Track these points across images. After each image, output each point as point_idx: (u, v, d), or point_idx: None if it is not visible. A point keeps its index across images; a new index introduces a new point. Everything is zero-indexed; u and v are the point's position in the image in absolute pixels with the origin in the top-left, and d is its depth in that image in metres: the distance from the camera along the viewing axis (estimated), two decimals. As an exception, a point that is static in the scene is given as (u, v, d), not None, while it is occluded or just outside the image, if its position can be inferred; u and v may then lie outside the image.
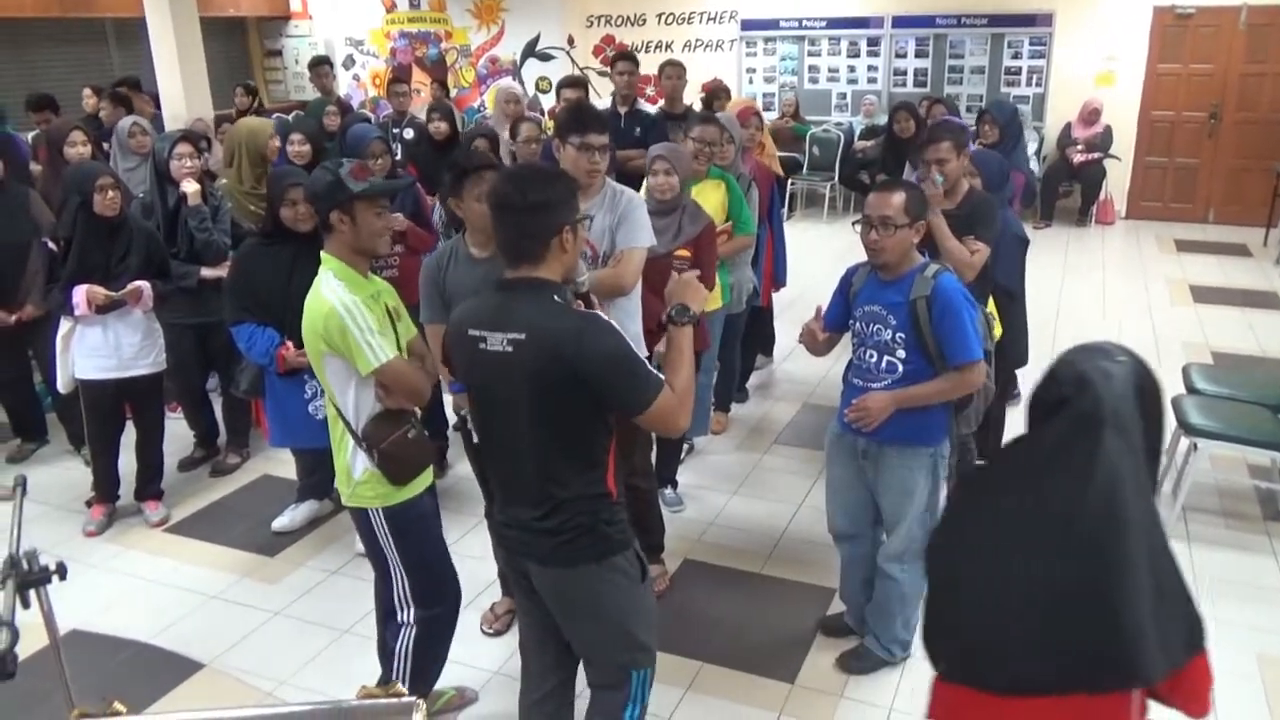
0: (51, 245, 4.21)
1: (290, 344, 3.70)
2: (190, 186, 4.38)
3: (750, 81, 11.35)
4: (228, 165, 5.02)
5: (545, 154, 4.67)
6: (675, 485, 4.50)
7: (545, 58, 11.89)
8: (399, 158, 5.94)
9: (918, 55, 10.58)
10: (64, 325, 4.09)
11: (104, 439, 4.31)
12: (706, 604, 3.72)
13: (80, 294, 3.94)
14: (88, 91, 7.37)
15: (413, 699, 1.43)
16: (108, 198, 3.94)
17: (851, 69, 10.93)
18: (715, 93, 6.72)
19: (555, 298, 2.21)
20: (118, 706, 1.38)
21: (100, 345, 4.06)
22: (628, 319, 3.42)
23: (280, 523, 4.24)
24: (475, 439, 2.49)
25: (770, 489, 4.59)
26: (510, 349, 2.14)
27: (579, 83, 6.27)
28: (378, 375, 2.61)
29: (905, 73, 10.70)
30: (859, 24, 10.72)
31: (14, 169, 4.84)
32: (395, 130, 7.00)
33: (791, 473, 4.73)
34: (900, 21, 10.54)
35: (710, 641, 3.47)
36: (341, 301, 2.56)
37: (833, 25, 10.83)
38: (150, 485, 4.45)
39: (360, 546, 4.05)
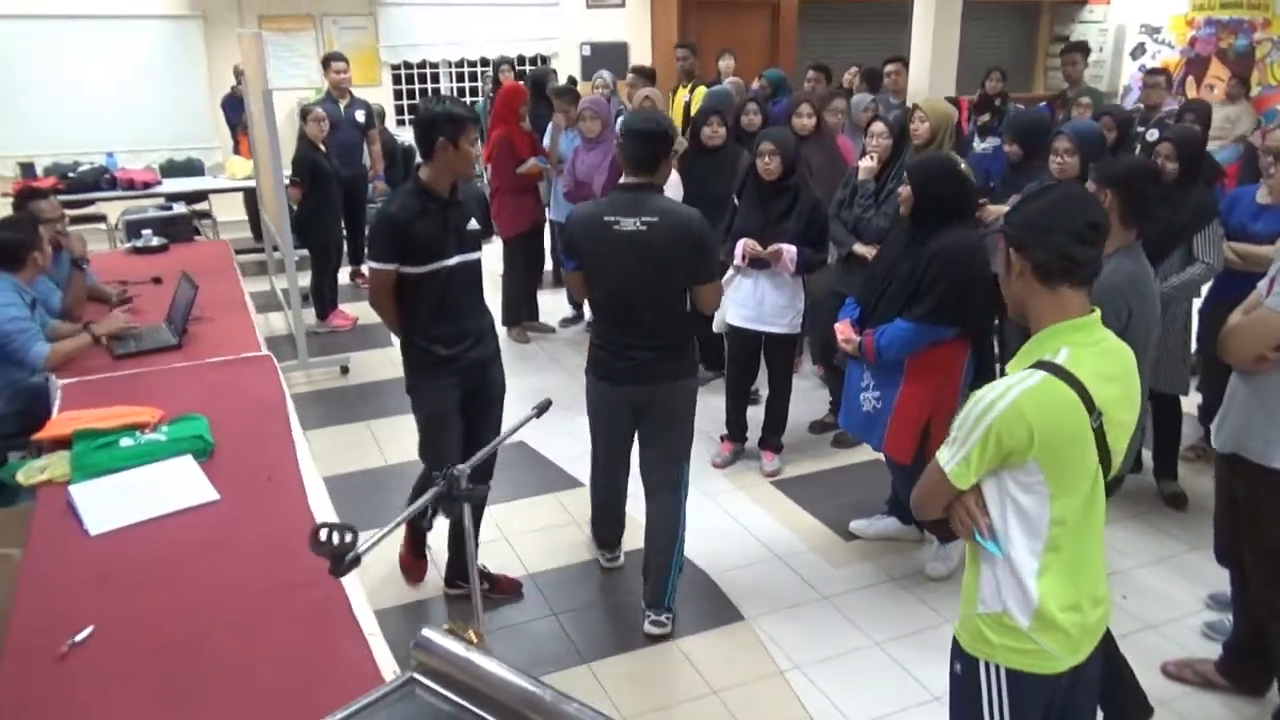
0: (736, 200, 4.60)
1: (848, 324, 3.66)
2: (864, 163, 4.40)
3: None
4: (927, 143, 4.88)
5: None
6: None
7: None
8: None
9: None
10: (727, 273, 4.46)
11: (739, 383, 4.66)
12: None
13: (741, 245, 4.28)
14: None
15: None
16: (765, 162, 4.18)
17: None
18: None
19: (663, 195, 3.20)
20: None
21: (747, 297, 4.36)
22: None
23: (857, 525, 4.11)
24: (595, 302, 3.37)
25: None
26: (644, 228, 3.08)
27: None
28: None
29: None
30: None
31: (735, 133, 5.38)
32: (1139, 129, 6.12)
33: None
34: None
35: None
36: None
37: None
38: (771, 437, 4.69)
39: (934, 568, 3.79)
